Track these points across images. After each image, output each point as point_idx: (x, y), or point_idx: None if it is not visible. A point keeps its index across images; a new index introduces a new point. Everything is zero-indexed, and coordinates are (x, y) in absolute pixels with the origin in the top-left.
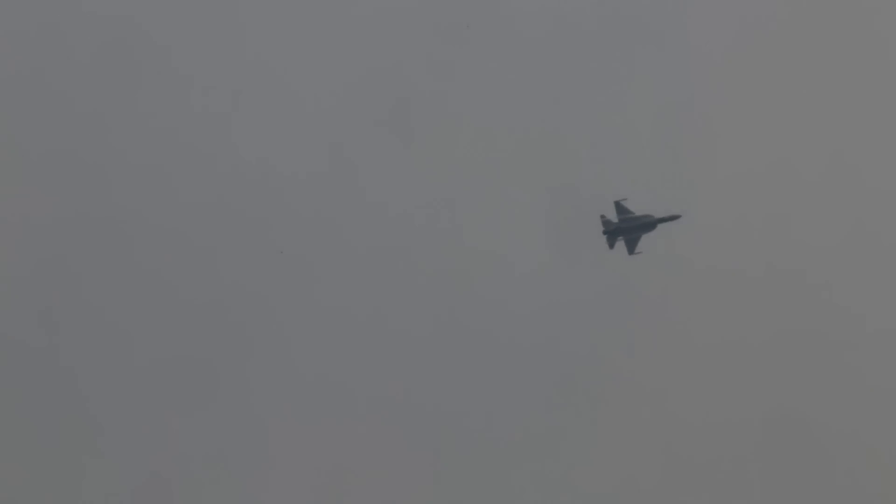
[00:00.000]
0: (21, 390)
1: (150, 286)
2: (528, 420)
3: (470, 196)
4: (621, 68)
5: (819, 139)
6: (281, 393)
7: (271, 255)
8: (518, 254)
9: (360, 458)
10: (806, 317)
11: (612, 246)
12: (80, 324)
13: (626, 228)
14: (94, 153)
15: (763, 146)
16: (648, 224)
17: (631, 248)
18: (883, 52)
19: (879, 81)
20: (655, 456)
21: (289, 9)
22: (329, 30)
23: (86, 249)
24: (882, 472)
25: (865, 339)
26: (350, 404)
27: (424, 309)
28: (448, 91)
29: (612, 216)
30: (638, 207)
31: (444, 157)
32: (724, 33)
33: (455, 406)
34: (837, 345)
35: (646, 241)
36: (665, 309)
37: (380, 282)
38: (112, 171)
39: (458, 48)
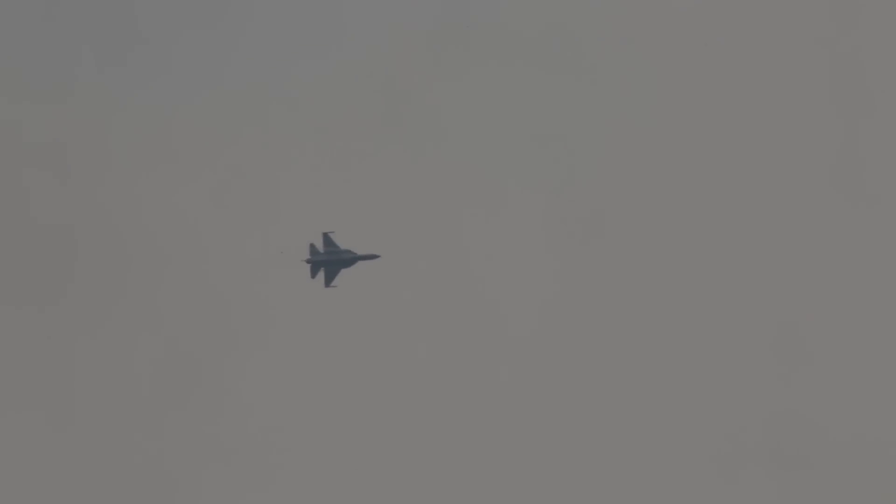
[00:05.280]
0: (19, 390)
1: (147, 286)
2: (525, 419)
3: (469, 196)
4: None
5: None
6: (280, 393)
7: (271, 255)
8: (517, 254)
9: (360, 458)
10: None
11: (313, 275)
12: (78, 322)
13: (327, 262)
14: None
15: None
16: (348, 260)
17: (328, 280)
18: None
19: None
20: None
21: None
22: (326, 27)
23: (81, 247)
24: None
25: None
26: (349, 404)
27: (423, 308)
28: (447, 90)
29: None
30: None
31: (443, 157)
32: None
33: (454, 405)
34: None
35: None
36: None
37: (377, 281)
38: (102, 169)
39: (458, 48)
